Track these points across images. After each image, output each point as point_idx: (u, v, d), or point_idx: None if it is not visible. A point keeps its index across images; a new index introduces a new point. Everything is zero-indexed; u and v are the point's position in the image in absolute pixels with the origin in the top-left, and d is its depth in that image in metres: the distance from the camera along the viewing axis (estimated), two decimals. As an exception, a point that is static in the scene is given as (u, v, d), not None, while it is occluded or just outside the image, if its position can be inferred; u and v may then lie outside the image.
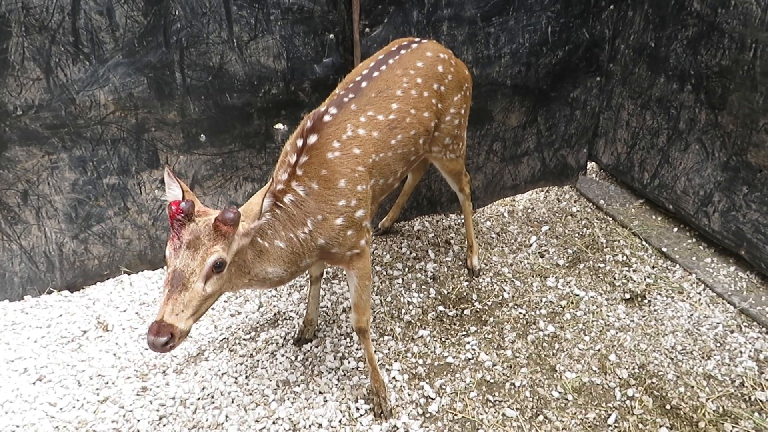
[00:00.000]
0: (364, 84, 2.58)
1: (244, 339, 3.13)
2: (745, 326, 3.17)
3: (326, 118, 2.43)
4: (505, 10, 3.48)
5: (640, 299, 3.38)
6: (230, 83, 3.18)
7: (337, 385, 2.88)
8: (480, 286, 3.49)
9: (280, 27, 3.13)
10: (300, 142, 2.35)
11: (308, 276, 3.09)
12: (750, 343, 3.06)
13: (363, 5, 3.18)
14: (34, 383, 2.82)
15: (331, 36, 3.26)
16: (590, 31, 3.80)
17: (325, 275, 3.50)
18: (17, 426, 2.61)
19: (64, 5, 2.76)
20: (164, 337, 1.78)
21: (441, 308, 3.33)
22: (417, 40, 2.89)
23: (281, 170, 2.36)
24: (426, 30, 3.37)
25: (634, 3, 3.76)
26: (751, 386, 2.82)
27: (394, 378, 2.91)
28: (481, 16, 3.44)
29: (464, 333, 3.17)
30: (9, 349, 2.99)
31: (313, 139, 2.35)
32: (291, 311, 3.30)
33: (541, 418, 2.71)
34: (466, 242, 3.70)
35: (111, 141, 3.15)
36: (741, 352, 3.02)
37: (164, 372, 2.93)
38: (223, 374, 2.92)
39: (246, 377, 2.91)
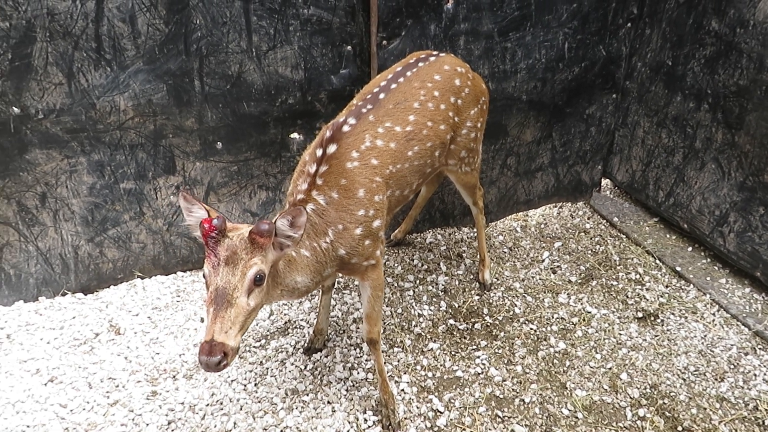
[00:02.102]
0: (381, 95, 2.60)
1: (254, 346, 3.14)
2: (759, 349, 3.12)
3: (345, 128, 2.45)
4: (522, 25, 3.49)
5: (652, 318, 3.35)
6: (248, 92, 3.21)
7: (345, 395, 2.87)
8: (491, 301, 3.48)
9: (298, 38, 3.16)
10: (319, 152, 2.37)
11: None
12: (764, 366, 3.02)
13: (381, 18, 3.21)
14: (45, 384, 2.84)
15: (349, 48, 3.29)
16: (607, 48, 3.80)
17: (336, 285, 3.50)
18: (28, 426, 2.62)
19: (88, 12, 2.81)
20: (217, 356, 1.77)
21: (451, 321, 3.32)
22: (435, 53, 2.90)
23: (300, 180, 2.38)
24: (443, 44, 3.39)
25: (652, 21, 3.76)
26: (765, 410, 2.78)
27: (403, 390, 2.90)
28: (498, 31, 3.46)
29: (474, 347, 3.16)
30: (22, 350, 3.02)
31: (332, 148, 2.37)
32: (301, 320, 3.31)
33: (550, 435, 2.69)
34: (478, 256, 3.69)
35: (129, 146, 3.19)
36: (755, 375, 2.98)
37: (174, 377, 2.94)
38: (232, 381, 2.92)
39: (255, 385, 2.91)
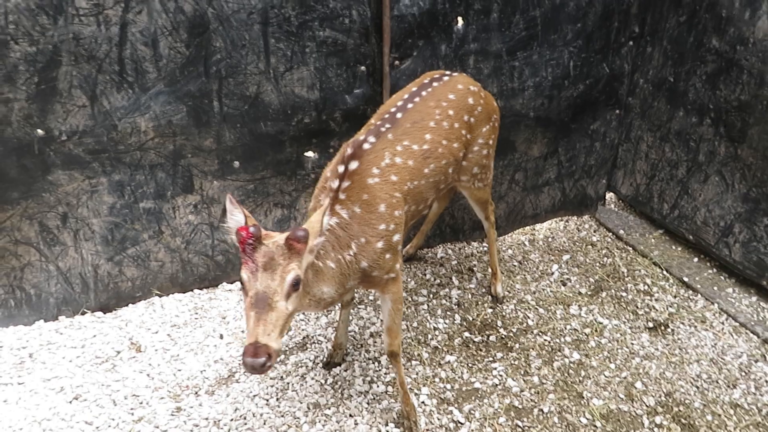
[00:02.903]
0: (399, 115, 2.68)
1: (273, 362, 3.17)
2: (769, 356, 3.21)
3: (365, 146, 2.53)
4: (530, 45, 3.61)
5: (663, 328, 3.42)
6: (265, 112, 3.29)
7: (367, 408, 2.91)
8: (504, 313, 3.54)
9: (314, 59, 3.25)
10: (341, 168, 2.45)
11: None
12: (775, 373, 3.09)
13: (394, 39, 3.31)
14: (70, 402, 2.87)
15: (363, 68, 3.38)
16: (610, 65, 3.92)
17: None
18: (55, 444, 2.65)
19: (112, 36, 2.89)
20: (262, 357, 1.81)
21: (467, 334, 3.38)
22: (448, 73, 3.00)
23: (323, 196, 2.46)
24: (453, 63, 3.49)
25: (653, 39, 3.89)
26: (779, 415, 2.85)
27: (423, 402, 2.95)
28: (506, 51, 3.57)
29: (490, 359, 3.21)
30: (45, 368, 3.05)
31: (354, 165, 2.45)
32: (319, 335, 3.36)
33: (570, 443, 2.74)
34: (489, 269, 3.76)
35: (149, 166, 3.25)
36: (767, 381, 3.05)
37: (196, 393, 2.98)
38: (254, 396, 2.96)
39: (277, 399, 2.95)
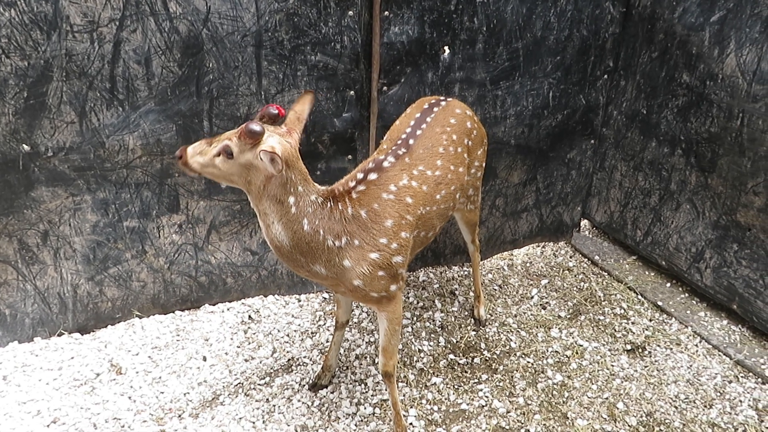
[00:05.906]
0: (411, 141, 2.74)
1: (259, 384, 3.14)
2: (741, 377, 3.32)
3: (386, 164, 2.58)
4: (512, 75, 3.74)
5: (641, 350, 3.51)
6: (255, 133, 3.30)
7: (355, 430, 2.89)
8: (487, 336, 3.58)
9: (305, 82, 3.30)
10: (360, 175, 2.52)
11: (334, 321, 3.16)
12: (748, 393, 3.20)
13: (382, 65, 3.39)
14: (48, 426, 2.77)
15: (352, 92, 3.44)
16: (586, 97, 4.08)
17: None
18: (32, 469, 2.55)
19: (105, 54, 2.89)
20: (179, 153, 2.25)
21: (451, 356, 3.40)
22: (442, 98, 3.08)
23: (341, 184, 2.53)
24: (439, 90, 3.58)
25: (626, 74, 4.08)
26: (754, 434, 2.95)
27: (411, 424, 2.95)
28: (489, 80, 3.69)
29: (476, 380, 3.24)
30: (20, 391, 2.94)
31: (373, 176, 2.52)
32: (304, 357, 3.33)
33: (558, 463, 2.77)
34: (473, 293, 3.81)
35: (135, 185, 3.22)
36: (740, 401, 3.15)
37: (180, 416, 2.91)
38: (240, 419, 2.91)
39: (264, 422, 2.91)
